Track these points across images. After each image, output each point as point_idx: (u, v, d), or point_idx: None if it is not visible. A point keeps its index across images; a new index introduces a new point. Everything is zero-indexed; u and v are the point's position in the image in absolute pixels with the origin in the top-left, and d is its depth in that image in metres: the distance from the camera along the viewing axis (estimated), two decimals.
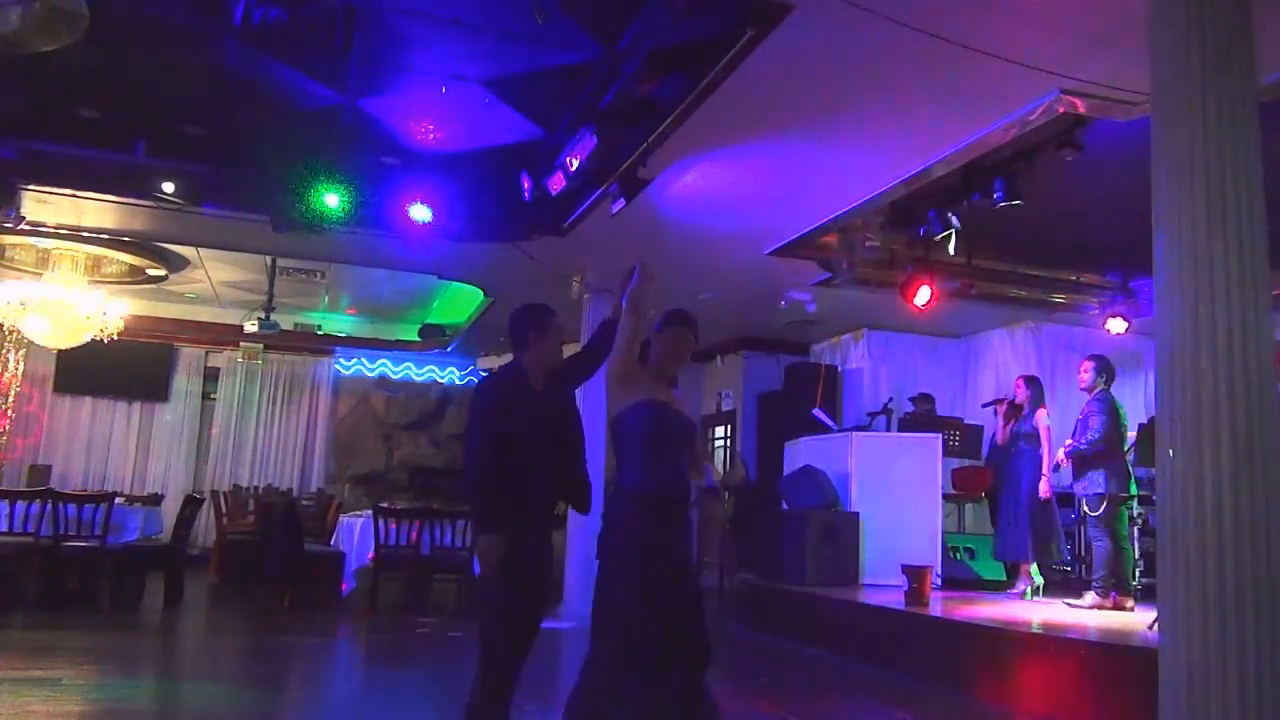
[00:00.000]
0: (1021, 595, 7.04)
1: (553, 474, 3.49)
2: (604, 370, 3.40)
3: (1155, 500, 5.75)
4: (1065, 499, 7.32)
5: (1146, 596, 6.73)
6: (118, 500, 8.32)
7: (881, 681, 5.81)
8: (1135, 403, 8.90)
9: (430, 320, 12.61)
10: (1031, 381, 7.34)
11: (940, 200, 6.68)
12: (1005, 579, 7.66)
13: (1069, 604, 6.55)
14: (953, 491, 9.01)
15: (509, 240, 7.97)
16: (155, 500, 10.59)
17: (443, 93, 6.03)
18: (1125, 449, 6.66)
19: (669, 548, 3.17)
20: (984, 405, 7.96)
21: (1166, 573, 3.13)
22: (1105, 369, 6.82)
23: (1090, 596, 6.45)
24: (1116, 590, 6.43)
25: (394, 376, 13.91)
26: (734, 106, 5.45)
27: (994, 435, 7.76)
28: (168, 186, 7.00)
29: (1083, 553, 7.96)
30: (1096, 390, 6.73)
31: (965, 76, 4.95)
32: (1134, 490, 6.67)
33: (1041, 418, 7.10)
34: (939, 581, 7.57)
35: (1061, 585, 7.80)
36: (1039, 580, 7.08)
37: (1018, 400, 7.27)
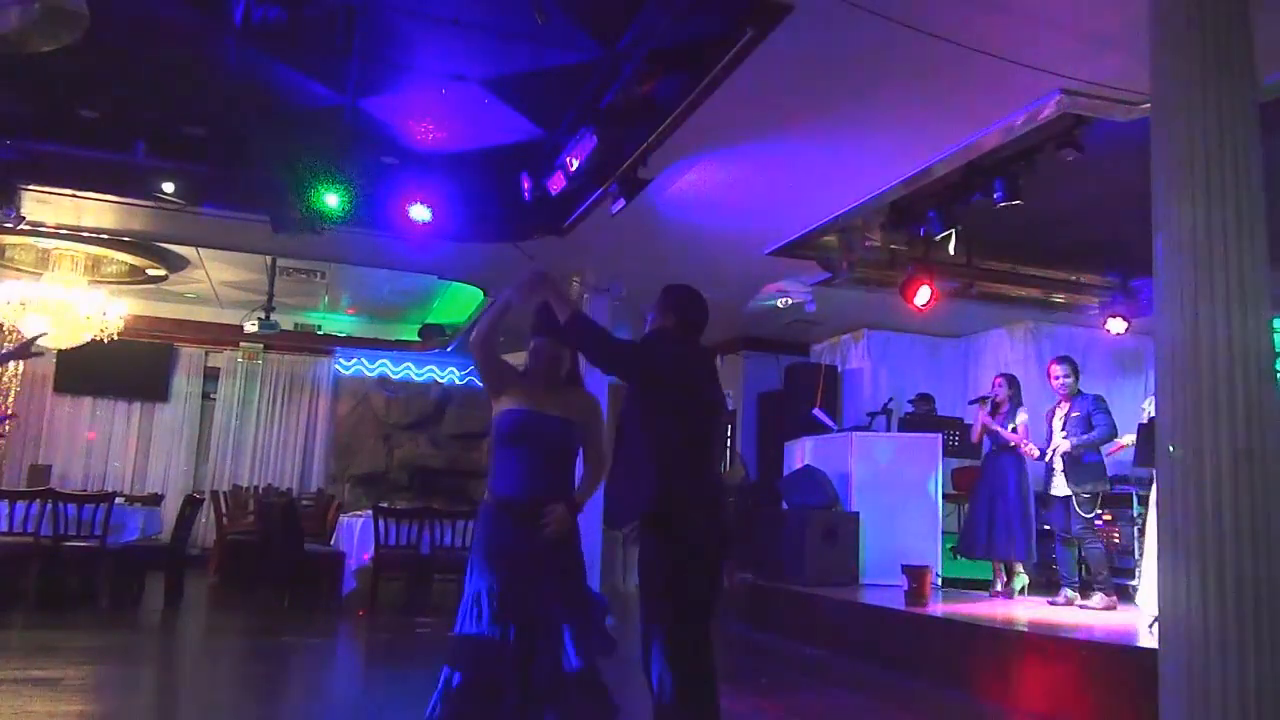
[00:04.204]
0: (992, 593, 7.17)
1: None
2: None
3: (1153, 499, 5.87)
4: (1042, 500, 7.35)
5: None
6: (118, 500, 8.31)
7: (881, 681, 5.80)
8: (1135, 403, 8.89)
9: (430, 320, 12.61)
10: (1012, 381, 7.39)
11: (940, 200, 6.68)
12: (1006, 578, 7.67)
13: (1081, 605, 6.57)
14: (953, 491, 9.01)
15: (509, 240, 7.96)
16: (155, 500, 10.58)
17: (443, 93, 6.03)
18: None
19: (514, 552, 3.16)
20: (970, 402, 7.97)
21: (1166, 573, 3.14)
22: (1076, 369, 6.91)
23: (1099, 597, 6.47)
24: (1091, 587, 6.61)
25: (394, 376, 13.91)
26: (734, 106, 5.45)
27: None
28: (168, 186, 7.00)
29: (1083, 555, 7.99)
30: (1076, 391, 6.80)
31: (965, 76, 4.95)
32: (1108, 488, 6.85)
33: (1022, 417, 7.15)
34: (939, 581, 7.57)
35: (1045, 586, 7.80)
36: (1025, 579, 7.17)
37: (998, 399, 7.29)
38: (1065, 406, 6.82)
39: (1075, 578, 6.84)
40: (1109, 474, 6.86)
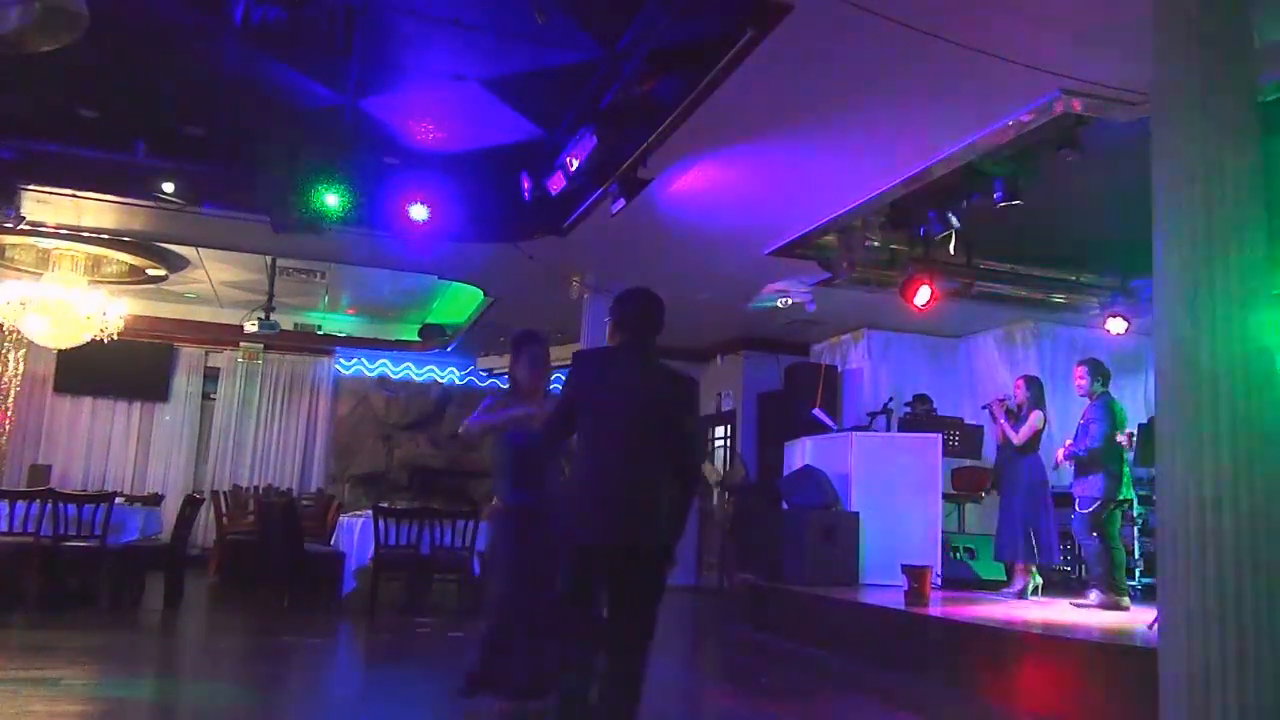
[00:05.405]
0: (1019, 595, 7.03)
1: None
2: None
3: (1155, 500, 5.77)
4: (1064, 499, 7.31)
5: (1147, 596, 6.74)
6: (118, 500, 8.31)
7: (881, 681, 5.80)
8: (1135, 403, 8.89)
9: (430, 320, 12.61)
10: (1032, 382, 7.26)
11: (940, 200, 6.67)
12: (1006, 579, 7.65)
13: (1075, 604, 6.54)
14: (953, 491, 9.00)
15: (509, 240, 7.97)
16: (155, 500, 10.57)
17: (444, 97, 6.03)
18: (1122, 454, 6.66)
19: (523, 550, 3.86)
20: (982, 407, 7.94)
21: (1166, 573, 3.14)
22: (1099, 371, 6.81)
23: (1095, 595, 6.45)
24: (1112, 589, 6.45)
25: (394, 376, 13.91)
26: (734, 106, 5.45)
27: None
28: (168, 186, 7.00)
29: (1080, 553, 7.96)
30: (1097, 394, 6.73)
31: (965, 76, 4.95)
32: (1129, 494, 6.72)
33: (1035, 419, 7.04)
34: (939, 581, 7.56)
35: (1061, 585, 7.80)
36: (1037, 580, 7.08)
37: (1017, 400, 7.23)
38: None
39: (1108, 577, 6.65)
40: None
